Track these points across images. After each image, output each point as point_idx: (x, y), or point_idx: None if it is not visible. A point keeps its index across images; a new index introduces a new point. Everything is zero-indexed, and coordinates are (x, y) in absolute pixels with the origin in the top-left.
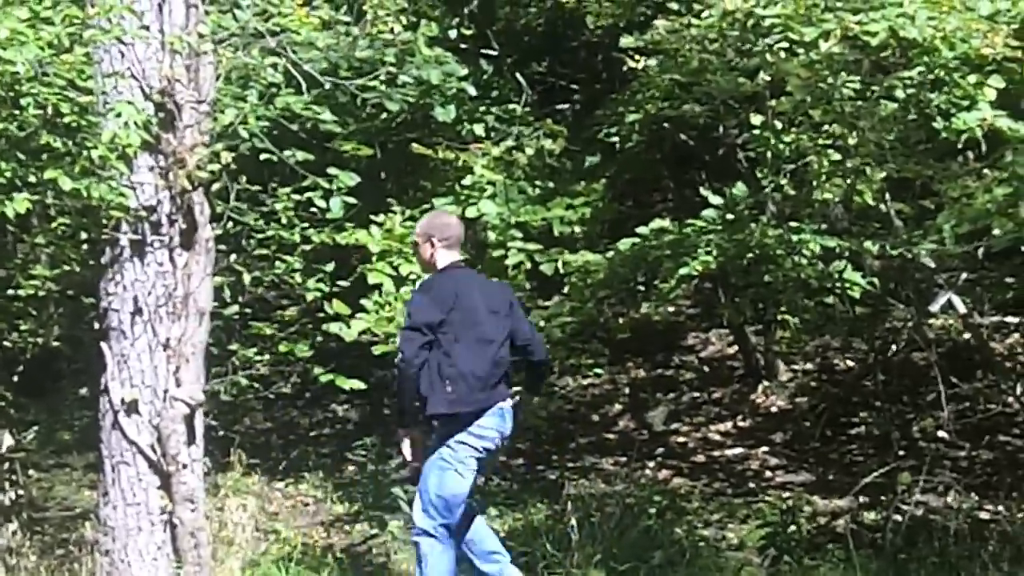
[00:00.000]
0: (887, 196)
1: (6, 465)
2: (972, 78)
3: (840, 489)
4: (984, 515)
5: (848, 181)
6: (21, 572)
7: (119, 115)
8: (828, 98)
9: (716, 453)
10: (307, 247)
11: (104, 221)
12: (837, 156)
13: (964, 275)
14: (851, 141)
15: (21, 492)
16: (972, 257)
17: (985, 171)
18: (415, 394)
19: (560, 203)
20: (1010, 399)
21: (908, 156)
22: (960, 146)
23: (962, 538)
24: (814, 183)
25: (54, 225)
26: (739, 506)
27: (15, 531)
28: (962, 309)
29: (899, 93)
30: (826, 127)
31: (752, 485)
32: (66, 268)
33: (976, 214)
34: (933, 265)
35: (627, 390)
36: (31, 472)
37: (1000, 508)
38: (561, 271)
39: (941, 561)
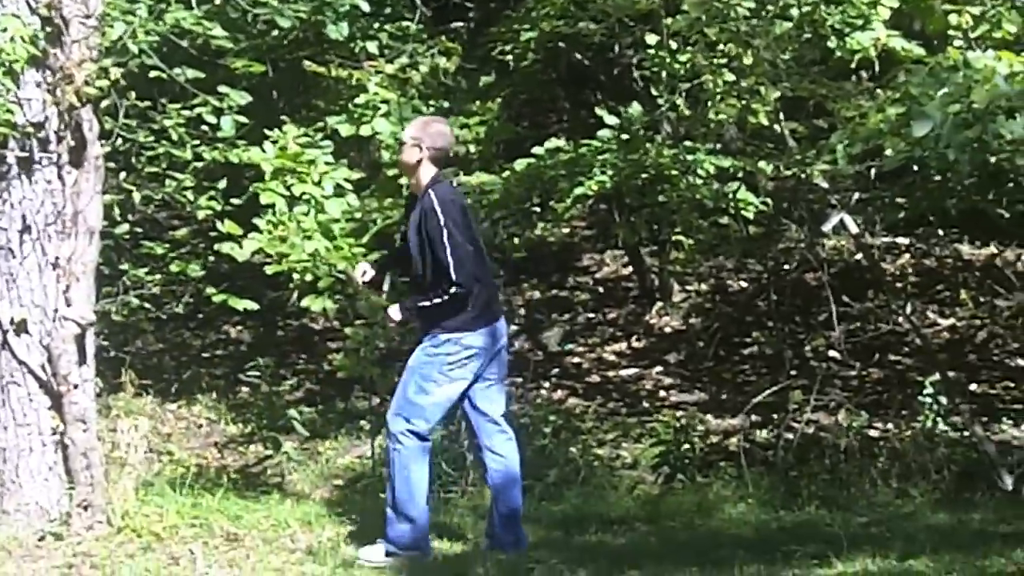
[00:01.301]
0: (781, 116)
1: None
2: None
3: (733, 408)
4: (874, 432)
5: (742, 101)
6: None
7: (4, 30)
8: (723, 17)
9: (611, 373)
10: (198, 165)
11: None
12: (732, 76)
13: (856, 195)
14: (746, 61)
15: None
16: (864, 177)
17: (878, 91)
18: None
19: (455, 122)
20: (900, 319)
21: (802, 76)
22: (854, 66)
23: (852, 455)
24: (709, 103)
25: None
26: (633, 425)
27: None
28: (854, 229)
29: (794, 12)
30: (721, 46)
31: (646, 405)
32: None
33: (869, 134)
34: (826, 185)
35: (523, 311)
36: None
37: (890, 426)
38: None
39: (832, 478)
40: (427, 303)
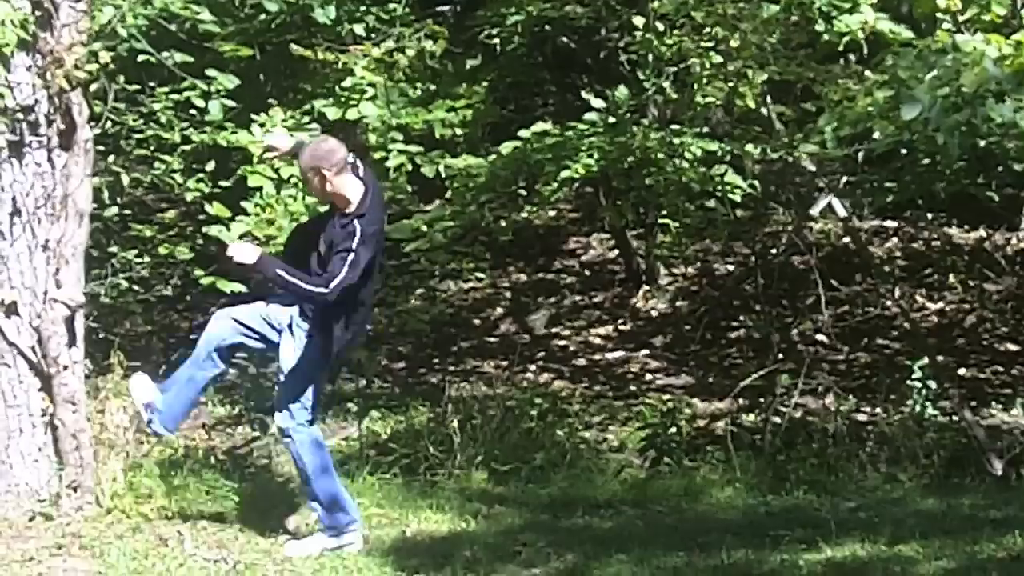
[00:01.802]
0: (768, 99)
1: None
2: None
3: (720, 392)
4: (862, 417)
5: (730, 84)
6: None
7: None
8: (710, 0)
9: (597, 356)
10: (187, 148)
11: None
12: (719, 59)
13: (844, 179)
14: (733, 44)
15: None
16: (852, 161)
17: (867, 74)
18: None
19: (441, 105)
20: (888, 303)
21: (790, 59)
22: (842, 48)
23: (840, 439)
24: (695, 86)
25: None
26: (620, 408)
27: None
28: (842, 212)
29: None
30: (708, 29)
31: (633, 388)
32: None
33: (857, 117)
34: (813, 169)
35: (508, 294)
36: None
37: (878, 410)
38: (443, 174)
39: (820, 462)
40: (298, 280)
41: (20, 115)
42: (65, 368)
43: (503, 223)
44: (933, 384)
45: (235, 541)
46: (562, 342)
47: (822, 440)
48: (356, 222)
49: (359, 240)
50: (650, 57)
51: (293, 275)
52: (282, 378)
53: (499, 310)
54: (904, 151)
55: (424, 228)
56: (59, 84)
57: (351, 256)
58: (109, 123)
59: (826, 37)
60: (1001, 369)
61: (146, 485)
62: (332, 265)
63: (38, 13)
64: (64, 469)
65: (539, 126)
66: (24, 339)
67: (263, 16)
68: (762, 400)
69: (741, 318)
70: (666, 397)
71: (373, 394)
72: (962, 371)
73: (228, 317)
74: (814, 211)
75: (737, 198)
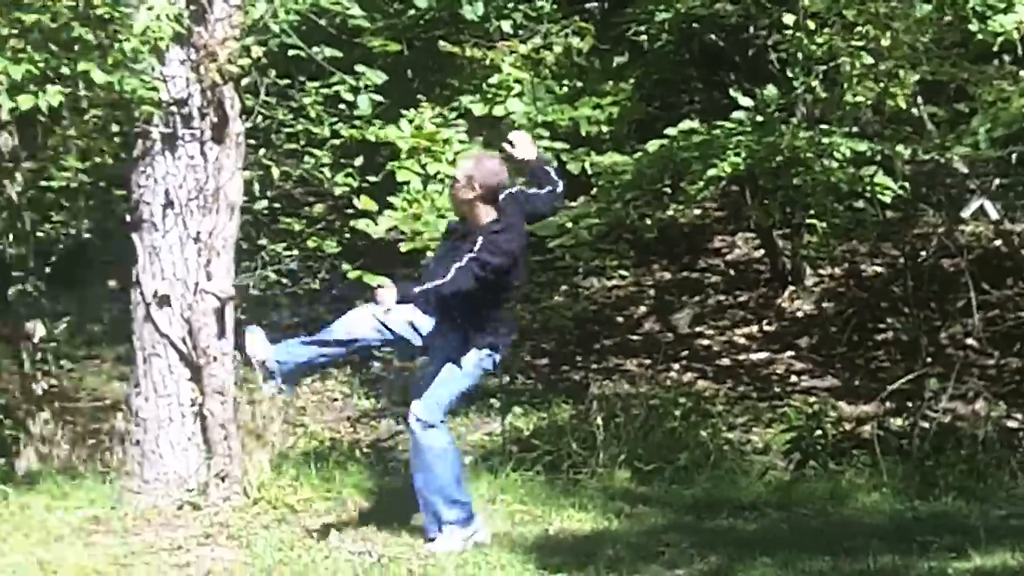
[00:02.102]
0: (920, 99)
1: (38, 355)
2: None
3: (866, 395)
4: (1012, 423)
5: (881, 84)
6: (54, 460)
7: (151, 8)
8: None
9: (741, 357)
10: (336, 142)
11: (135, 114)
12: (870, 58)
13: (997, 180)
14: (884, 43)
15: (53, 382)
16: (1006, 162)
17: (1021, 74)
18: None
19: (588, 102)
20: None
21: (942, 59)
22: (996, 48)
23: (990, 446)
24: (846, 85)
25: (86, 118)
26: (764, 410)
27: (47, 420)
28: (994, 215)
29: None
30: (859, 28)
31: (777, 389)
32: (97, 160)
33: (1011, 118)
34: (966, 170)
35: (652, 292)
36: (63, 362)
37: None
38: (588, 171)
39: (969, 468)
40: (425, 288)
41: (174, 108)
42: (215, 359)
43: (648, 221)
44: None
45: (379, 534)
46: (706, 341)
47: (971, 446)
48: (483, 234)
49: (481, 245)
50: (800, 55)
51: (421, 286)
52: (431, 373)
53: (643, 308)
54: None
55: (569, 225)
56: (212, 78)
57: (469, 257)
58: (260, 117)
59: (980, 37)
60: None
61: (292, 476)
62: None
63: (192, 8)
64: (212, 459)
65: (686, 124)
66: (175, 330)
67: (412, 12)
68: (910, 404)
69: (889, 320)
70: (811, 399)
71: (516, 390)
72: None
73: (373, 317)
74: (965, 213)
75: (887, 199)
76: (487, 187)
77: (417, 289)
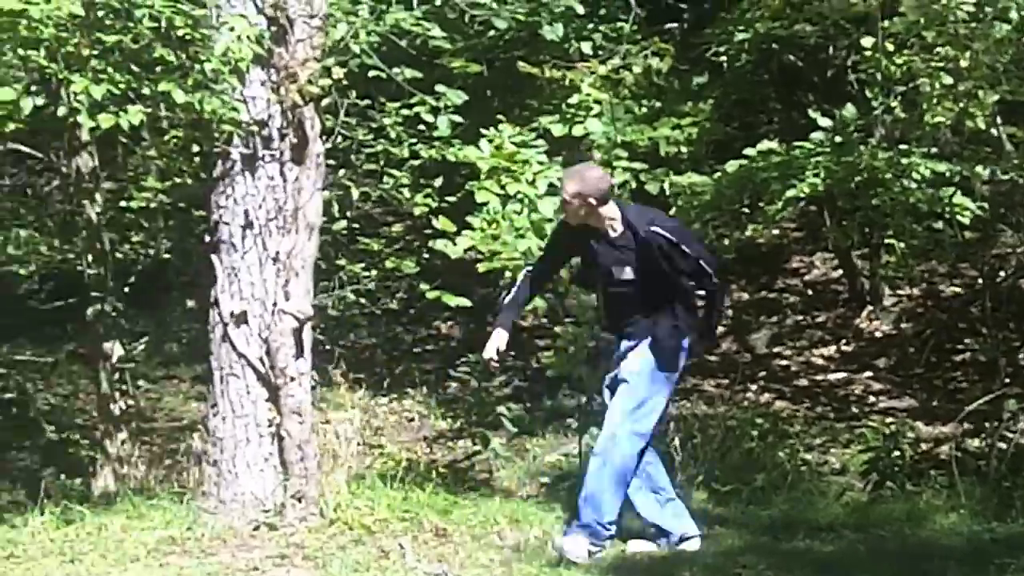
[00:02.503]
0: (999, 120)
1: (116, 375)
2: None
3: (944, 416)
4: None
5: (959, 104)
6: (130, 481)
7: (232, 29)
8: (941, 19)
9: (819, 377)
10: (415, 163)
11: (216, 135)
12: (949, 79)
13: None
14: (963, 63)
15: (131, 402)
16: None
17: None
18: None
19: (667, 123)
20: None
21: (1021, 79)
22: None
23: None
24: (925, 106)
25: (166, 138)
26: (842, 431)
27: (124, 440)
28: None
29: (1013, 15)
30: (938, 49)
31: (855, 410)
32: (177, 181)
33: None
34: None
35: (730, 312)
36: (140, 383)
37: None
38: (667, 191)
39: None
40: (716, 315)
41: (254, 129)
42: (292, 379)
43: (727, 241)
44: None
45: (456, 555)
46: (784, 362)
47: None
48: (651, 228)
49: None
50: (878, 76)
51: (710, 319)
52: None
53: (721, 328)
54: None
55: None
56: (292, 99)
57: (682, 252)
58: (340, 137)
59: None
60: None
61: (368, 497)
62: (692, 267)
63: (273, 29)
64: (289, 479)
65: (764, 144)
66: (253, 350)
67: (492, 33)
68: (988, 425)
69: (967, 341)
70: (889, 420)
71: (593, 411)
72: None
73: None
74: None
75: (965, 220)
76: (599, 195)
77: (715, 321)
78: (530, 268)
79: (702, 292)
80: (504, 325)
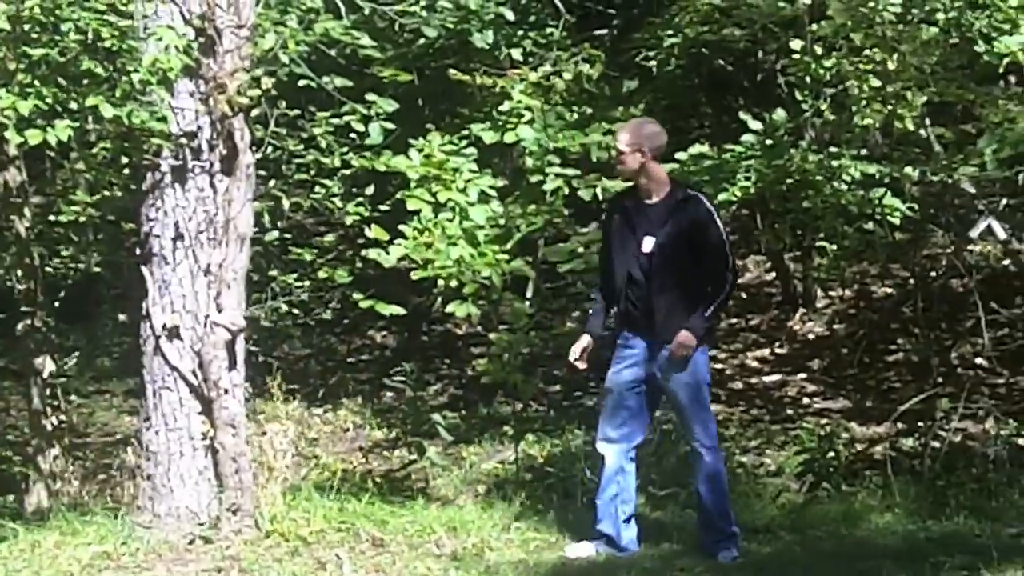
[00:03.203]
0: (927, 121)
1: (48, 391)
2: (1014, 1)
3: (878, 416)
4: (1023, 442)
5: (888, 106)
6: (64, 497)
7: (160, 39)
8: (869, 22)
9: (754, 380)
10: (346, 172)
11: (145, 147)
12: (877, 81)
13: (1004, 201)
14: (891, 66)
15: (63, 418)
16: (1013, 183)
17: None
18: None
19: (598, 128)
20: None
21: (949, 80)
22: (1002, 70)
23: (1001, 464)
24: (854, 108)
25: (95, 151)
26: (777, 432)
27: (57, 456)
28: (1002, 235)
29: (940, 16)
30: (867, 51)
31: (790, 412)
32: (106, 194)
33: (1017, 138)
34: (973, 191)
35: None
36: (72, 398)
37: None
38: (599, 197)
39: (980, 488)
40: (719, 302)
41: (183, 140)
42: (226, 391)
43: None
44: None
45: (393, 565)
46: (719, 365)
47: (983, 465)
48: (700, 196)
49: (715, 211)
50: (808, 79)
51: (708, 309)
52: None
53: None
54: None
55: (580, 250)
56: (222, 110)
57: (721, 227)
58: (270, 148)
59: (986, 58)
60: None
61: (304, 508)
62: (717, 250)
63: (201, 39)
64: (224, 492)
65: (696, 148)
66: (185, 363)
67: (422, 41)
68: (921, 424)
69: (900, 341)
70: (824, 421)
71: (529, 417)
72: None
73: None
74: (973, 233)
75: (896, 220)
76: (655, 148)
77: (709, 313)
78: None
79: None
80: (591, 331)
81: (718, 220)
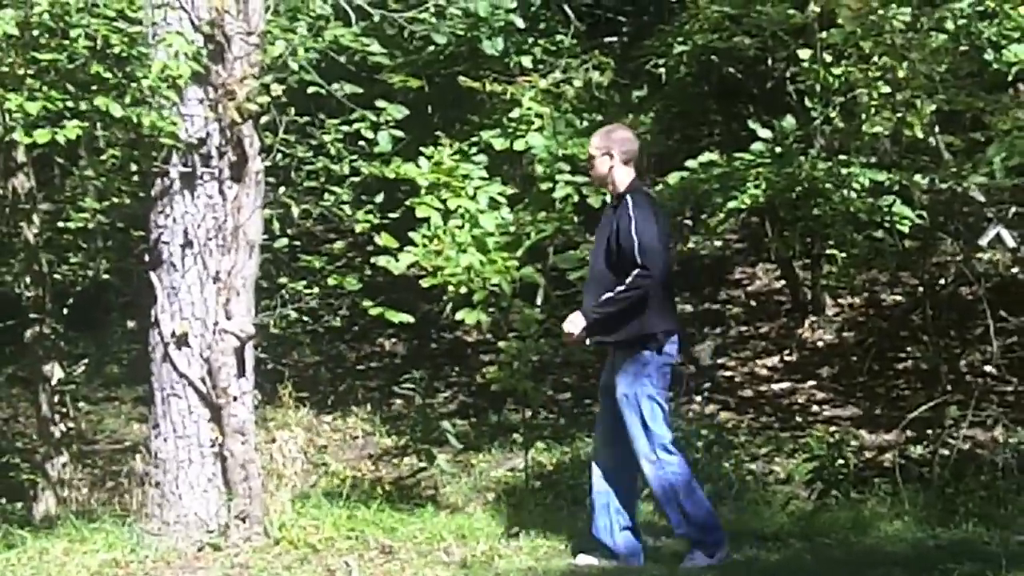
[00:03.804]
0: (937, 129)
1: (56, 398)
2: (1023, 9)
3: (887, 423)
4: None
5: (898, 114)
6: (72, 504)
7: (169, 46)
8: (878, 30)
9: (763, 387)
10: (356, 179)
11: (154, 153)
12: (887, 89)
13: (1013, 208)
14: (901, 73)
15: (71, 425)
16: (1021, 190)
17: None
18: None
19: None
20: None
21: (958, 88)
22: (1011, 78)
23: (1009, 472)
24: (863, 116)
25: (104, 157)
26: (786, 440)
27: (65, 463)
28: (1011, 243)
29: (949, 25)
30: (876, 59)
31: (799, 419)
32: (115, 200)
33: None
34: (982, 198)
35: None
36: (81, 405)
37: None
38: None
39: (989, 495)
40: (611, 295)
41: (193, 147)
42: (235, 399)
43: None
44: None
45: (402, 572)
46: (728, 373)
47: (991, 473)
48: (628, 197)
49: (633, 208)
50: (817, 87)
51: (605, 298)
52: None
53: None
54: None
55: (590, 258)
56: (231, 116)
57: (634, 223)
58: (279, 155)
59: (995, 66)
60: None
61: (314, 515)
62: (623, 244)
63: (211, 46)
64: (233, 499)
65: (706, 156)
66: (194, 370)
67: (432, 48)
68: (930, 432)
69: (909, 349)
70: (833, 429)
71: (538, 425)
72: None
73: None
74: (983, 241)
75: (905, 228)
76: (625, 152)
77: (600, 302)
78: None
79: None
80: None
81: (635, 219)
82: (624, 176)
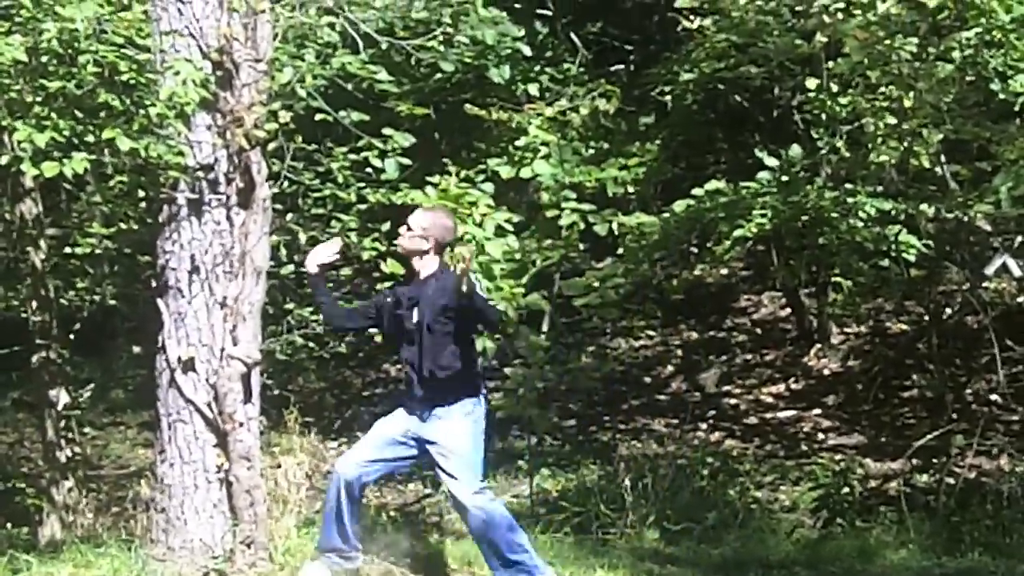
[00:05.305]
0: (943, 158)
1: (62, 423)
2: None
3: (893, 452)
4: None
5: (904, 143)
6: (77, 529)
7: (177, 73)
8: (885, 60)
9: (768, 415)
10: (362, 206)
11: (161, 180)
12: (893, 119)
13: (1019, 238)
14: (907, 103)
15: (77, 450)
16: None
17: None
18: None
19: (614, 164)
20: None
21: (965, 118)
22: (1017, 108)
23: (1015, 501)
24: (870, 145)
25: (111, 183)
26: (791, 468)
27: (71, 488)
28: (1017, 272)
29: (956, 55)
30: (883, 89)
31: (804, 447)
32: (122, 226)
33: None
34: (988, 228)
35: (679, 352)
36: (86, 430)
37: None
38: (615, 232)
39: (994, 524)
40: None
41: (200, 174)
42: (241, 425)
43: (675, 281)
44: None
45: None
46: (733, 400)
47: (997, 501)
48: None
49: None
50: (824, 116)
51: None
52: (453, 458)
53: (670, 368)
54: None
55: (596, 285)
56: (239, 143)
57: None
58: (287, 182)
59: (1001, 96)
60: None
61: None
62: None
63: (219, 73)
64: (238, 525)
65: (712, 184)
66: (200, 396)
67: (438, 76)
68: (936, 461)
69: (914, 377)
70: (838, 457)
71: (544, 452)
72: None
73: (352, 463)
74: (988, 271)
75: (911, 257)
76: (441, 243)
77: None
78: None
79: None
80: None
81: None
82: (434, 264)
